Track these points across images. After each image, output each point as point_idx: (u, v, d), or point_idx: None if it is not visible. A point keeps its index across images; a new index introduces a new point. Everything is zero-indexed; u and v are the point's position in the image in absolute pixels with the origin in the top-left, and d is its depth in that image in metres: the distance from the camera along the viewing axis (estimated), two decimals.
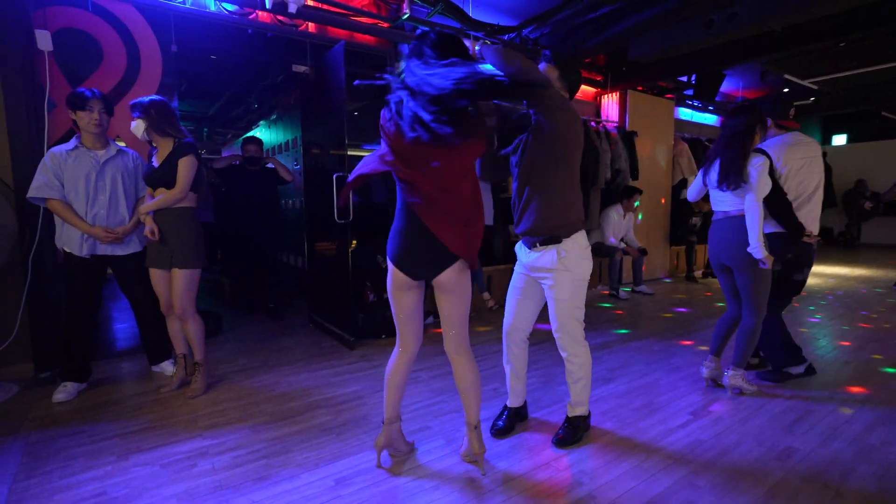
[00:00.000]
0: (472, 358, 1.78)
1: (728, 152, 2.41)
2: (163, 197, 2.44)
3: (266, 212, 4.28)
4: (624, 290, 5.27)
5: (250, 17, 3.54)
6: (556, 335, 2.01)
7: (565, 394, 2.56)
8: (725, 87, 7.03)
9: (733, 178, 2.35)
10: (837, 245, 10.52)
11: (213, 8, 3.40)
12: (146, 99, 2.45)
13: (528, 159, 1.86)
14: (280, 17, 3.60)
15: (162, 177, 2.45)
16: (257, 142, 4.27)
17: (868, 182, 10.12)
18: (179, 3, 3.26)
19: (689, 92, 6.66)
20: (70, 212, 2.44)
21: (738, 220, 2.42)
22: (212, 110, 8.08)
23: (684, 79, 6.19)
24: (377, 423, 2.20)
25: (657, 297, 5.23)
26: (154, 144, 2.53)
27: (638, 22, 4.27)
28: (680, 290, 5.68)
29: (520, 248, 2.06)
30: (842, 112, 10.06)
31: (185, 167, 2.45)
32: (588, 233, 5.55)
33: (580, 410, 2.09)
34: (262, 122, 6.69)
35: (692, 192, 2.76)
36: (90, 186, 2.48)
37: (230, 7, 3.43)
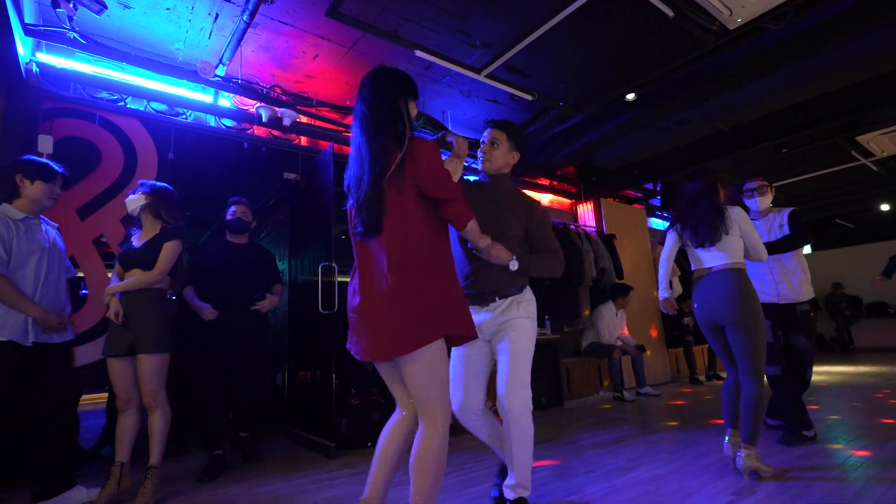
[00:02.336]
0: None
1: (696, 211, 2.43)
2: (137, 278, 2.31)
3: (255, 301, 2.97)
4: (628, 393, 4.93)
5: (247, 132, 3.84)
6: (505, 399, 1.79)
7: (584, 485, 2.19)
8: None
9: (706, 233, 2.35)
10: (833, 350, 10.35)
11: (212, 123, 3.70)
12: (153, 181, 2.49)
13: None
14: (274, 132, 3.91)
15: (141, 257, 2.35)
16: (247, 203, 3.11)
17: (844, 286, 10.40)
18: (183, 118, 3.55)
19: (656, 202, 7.15)
20: (17, 291, 2.05)
21: (726, 274, 2.32)
22: (202, 240, 8.28)
23: (650, 186, 6.68)
24: None
25: (664, 398, 4.87)
26: (138, 225, 2.49)
27: (601, 133, 4.76)
28: (686, 392, 5.34)
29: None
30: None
31: (170, 250, 2.37)
32: (582, 332, 5.40)
33: (524, 492, 1.81)
34: None
35: (663, 255, 2.65)
36: (42, 264, 2.17)
37: (229, 122, 3.73)
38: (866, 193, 7.62)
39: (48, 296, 2.19)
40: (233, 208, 3.03)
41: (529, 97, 4.03)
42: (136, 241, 2.42)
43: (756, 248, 2.40)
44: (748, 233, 2.38)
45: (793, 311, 2.85)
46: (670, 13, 3.00)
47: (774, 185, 3.12)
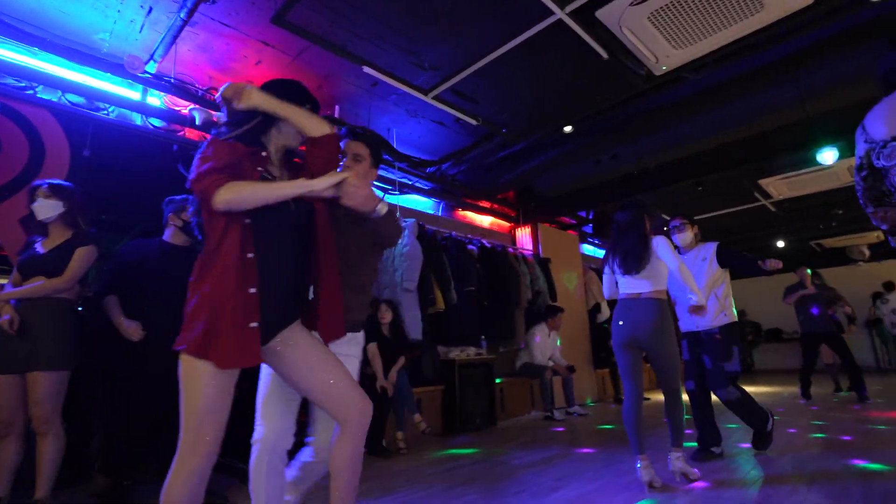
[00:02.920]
0: None
1: (625, 241, 2.61)
2: (42, 284, 2.07)
3: None
4: (558, 412, 5.07)
5: (178, 134, 3.61)
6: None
7: None
8: None
9: (633, 262, 2.53)
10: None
11: (138, 122, 3.44)
12: (68, 184, 2.25)
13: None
14: (208, 136, 3.70)
15: (47, 263, 2.12)
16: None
17: (748, 313, 11.49)
18: (104, 113, 3.27)
19: (589, 229, 7.55)
20: None
21: (653, 303, 2.50)
22: (117, 247, 7.60)
23: (584, 214, 7.05)
24: None
25: (591, 417, 5.07)
26: (42, 232, 2.23)
27: (540, 162, 4.98)
28: (611, 411, 5.59)
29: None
30: None
31: (83, 256, 2.17)
32: (517, 352, 5.51)
33: None
34: None
35: (606, 289, 2.84)
36: None
37: (157, 122, 3.49)
38: (766, 231, 8.55)
39: None
40: (183, 212, 2.57)
41: (474, 122, 4.14)
42: (40, 247, 2.17)
43: (669, 266, 2.55)
44: (664, 255, 2.54)
45: (706, 335, 3.12)
46: (605, 55, 3.23)
47: (695, 218, 3.39)
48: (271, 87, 1.46)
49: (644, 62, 3.30)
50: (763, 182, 5.90)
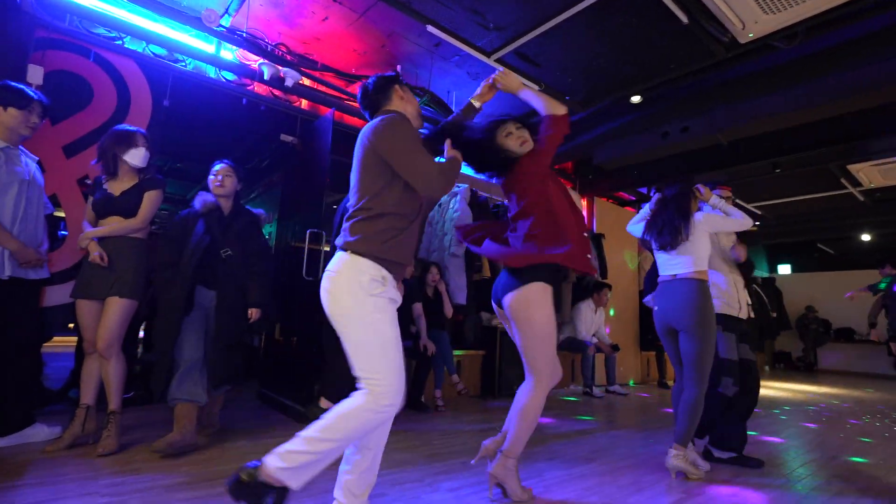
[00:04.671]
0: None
1: (664, 214, 2.46)
2: (120, 224, 2.29)
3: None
4: (598, 389, 5.05)
5: (247, 88, 3.76)
6: None
7: (544, 471, 2.26)
8: None
9: (668, 236, 2.38)
10: (797, 369, 10.69)
11: (212, 74, 3.61)
12: (141, 129, 2.44)
13: None
14: (275, 91, 3.83)
15: (122, 204, 2.31)
16: None
17: (817, 309, 10.68)
18: (182, 65, 3.45)
19: None
20: None
21: (688, 283, 2.34)
22: (190, 194, 8.14)
23: (644, 190, 6.74)
24: (320, 483, 1.83)
25: (631, 398, 5.00)
26: (113, 173, 2.40)
27: (603, 132, 4.77)
28: (653, 393, 5.49)
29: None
30: (783, 242, 10.94)
31: (153, 200, 2.37)
32: (559, 326, 5.47)
33: None
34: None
35: (633, 223, 2.73)
36: (21, 197, 2.13)
37: (229, 76, 3.65)
38: (850, 222, 7.80)
39: (27, 230, 2.17)
40: None
41: (536, 87, 4.01)
42: (109, 188, 2.35)
43: (728, 227, 2.44)
44: (714, 222, 2.41)
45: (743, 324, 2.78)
46: (685, 19, 2.99)
47: (765, 203, 3.15)
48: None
49: (729, 28, 3.02)
50: (853, 167, 5.36)
